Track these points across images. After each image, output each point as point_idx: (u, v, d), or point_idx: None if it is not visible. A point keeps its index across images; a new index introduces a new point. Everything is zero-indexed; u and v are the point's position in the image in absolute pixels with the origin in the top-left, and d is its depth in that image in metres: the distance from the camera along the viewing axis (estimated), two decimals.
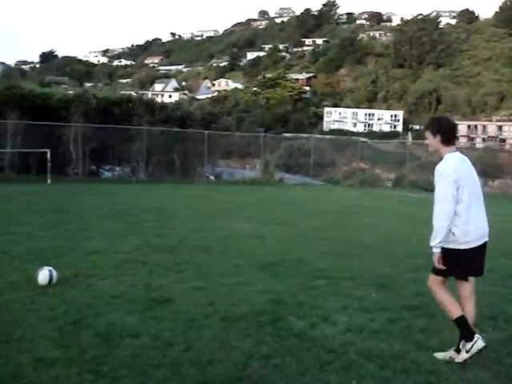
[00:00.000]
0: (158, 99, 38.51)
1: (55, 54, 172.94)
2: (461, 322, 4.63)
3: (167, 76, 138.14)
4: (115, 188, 21.52)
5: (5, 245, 9.07)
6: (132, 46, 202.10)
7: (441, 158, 4.73)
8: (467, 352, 4.55)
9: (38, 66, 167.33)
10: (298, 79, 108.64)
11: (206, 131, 27.36)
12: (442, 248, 4.59)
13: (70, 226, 11.17)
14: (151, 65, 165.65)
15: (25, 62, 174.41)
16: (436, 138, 4.73)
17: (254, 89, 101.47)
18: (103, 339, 4.89)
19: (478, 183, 4.80)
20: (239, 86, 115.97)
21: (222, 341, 4.92)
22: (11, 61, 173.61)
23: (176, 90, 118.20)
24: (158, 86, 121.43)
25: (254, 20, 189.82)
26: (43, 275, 6.56)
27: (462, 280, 4.72)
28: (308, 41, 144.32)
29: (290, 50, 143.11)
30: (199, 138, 27.24)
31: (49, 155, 22.32)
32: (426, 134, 4.87)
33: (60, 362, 4.40)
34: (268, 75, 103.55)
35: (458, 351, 4.63)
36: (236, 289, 6.71)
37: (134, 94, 31.39)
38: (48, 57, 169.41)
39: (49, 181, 21.93)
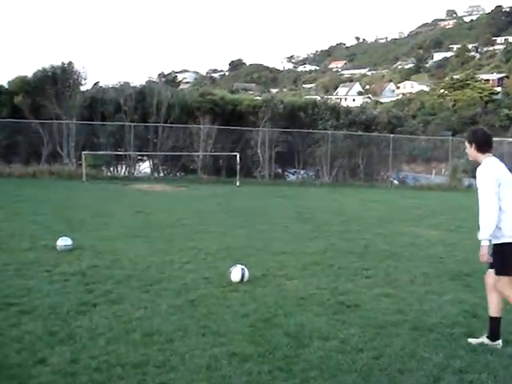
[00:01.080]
0: (342, 103, 38.63)
1: (243, 62, 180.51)
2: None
3: (351, 80, 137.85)
4: (300, 191, 21.88)
5: (199, 242, 9.64)
6: (316, 51, 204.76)
7: (479, 164, 5.19)
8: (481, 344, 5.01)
9: (227, 73, 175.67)
10: (488, 80, 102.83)
11: (391, 135, 26.86)
12: (495, 245, 4.98)
13: (259, 227, 11.56)
14: (335, 69, 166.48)
15: (215, 71, 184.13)
16: (472, 147, 5.24)
17: (441, 91, 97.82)
18: (293, 339, 4.98)
19: None
20: (425, 88, 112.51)
21: (412, 350, 4.78)
22: (203, 70, 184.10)
23: (360, 93, 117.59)
24: (341, 90, 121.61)
25: (442, 20, 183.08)
26: (236, 273, 6.86)
27: None
28: (500, 39, 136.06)
29: (479, 50, 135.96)
30: (384, 142, 26.84)
31: (238, 158, 23.32)
32: (465, 144, 5.34)
33: (252, 357, 4.56)
34: (456, 76, 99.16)
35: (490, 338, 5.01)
36: (426, 298, 6.49)
37: (318, 98, 31.57)
38: (236, 65, 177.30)
39: (237, 183, 22.89)
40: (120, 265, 7.77)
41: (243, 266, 6.97)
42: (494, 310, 5.05)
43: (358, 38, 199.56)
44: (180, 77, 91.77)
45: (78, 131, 25.05)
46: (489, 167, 5.10)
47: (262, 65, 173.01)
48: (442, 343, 4.98)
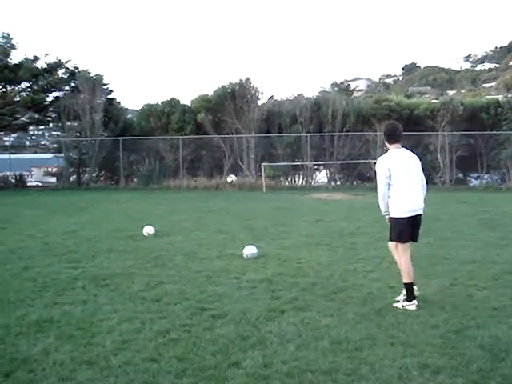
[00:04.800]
0: None
1: (417, 65, 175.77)
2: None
3: None
4: (483, 196, 20.79)
5: (381, 250, 9.40)
6: (495, 47, 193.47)
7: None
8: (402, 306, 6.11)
9: (400, 78, 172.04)
10: None
11: None
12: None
13: (442, 235, 11.15)
14: None
15: (388, 76, 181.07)
16: (384, 138, 6.65)
17: None
18: (488, 352, 4.74)
19: (415, 171, 6.36)
20: None
21: None
22: (375, 76, 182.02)
23: None
24: None
25: None
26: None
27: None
28: None
29: None
30: None
31: None
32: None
33: (445, 370, 4.41)
34: None
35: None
36: None
37: (501, 97, 29.82)
38: (410, 68, 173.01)
39: None
40: (304, 272, 7.92)
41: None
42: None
43: None
44: (353, 85, 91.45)
45: (257, 144, 26.05)
46: (384, 160, 6.36)
47: (437, 66, 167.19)
48: None
